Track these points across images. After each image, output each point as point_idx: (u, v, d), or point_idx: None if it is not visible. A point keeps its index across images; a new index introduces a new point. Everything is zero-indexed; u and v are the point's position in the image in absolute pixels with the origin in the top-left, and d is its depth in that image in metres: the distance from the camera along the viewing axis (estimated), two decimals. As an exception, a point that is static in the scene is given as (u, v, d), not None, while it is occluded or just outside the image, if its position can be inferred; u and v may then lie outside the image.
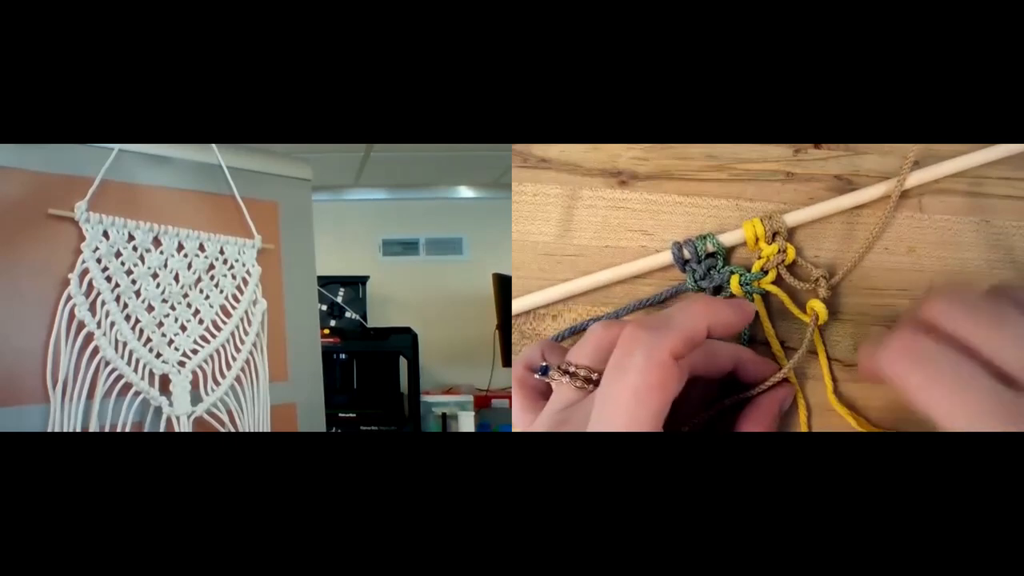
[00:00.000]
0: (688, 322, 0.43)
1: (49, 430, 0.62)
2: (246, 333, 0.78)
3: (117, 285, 0.67)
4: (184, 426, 0.70)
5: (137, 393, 0.67)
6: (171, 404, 0.70)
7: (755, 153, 0.55)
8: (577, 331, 0.54)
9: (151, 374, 0.69)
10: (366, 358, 2.52)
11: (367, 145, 2.18)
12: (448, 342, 2.77)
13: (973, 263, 0.52)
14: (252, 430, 0.77)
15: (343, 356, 2.47)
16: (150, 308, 0.70)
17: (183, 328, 0.73)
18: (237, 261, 0.79)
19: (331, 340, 2.34)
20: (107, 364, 0.65)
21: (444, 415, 2.52)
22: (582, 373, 0.45)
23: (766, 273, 0.52)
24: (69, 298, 0.64)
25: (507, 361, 2.47)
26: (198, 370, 0.73)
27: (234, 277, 0.78)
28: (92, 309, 0.65)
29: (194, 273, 0.74)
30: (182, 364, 0.72)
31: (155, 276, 0.70)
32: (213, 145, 0.78)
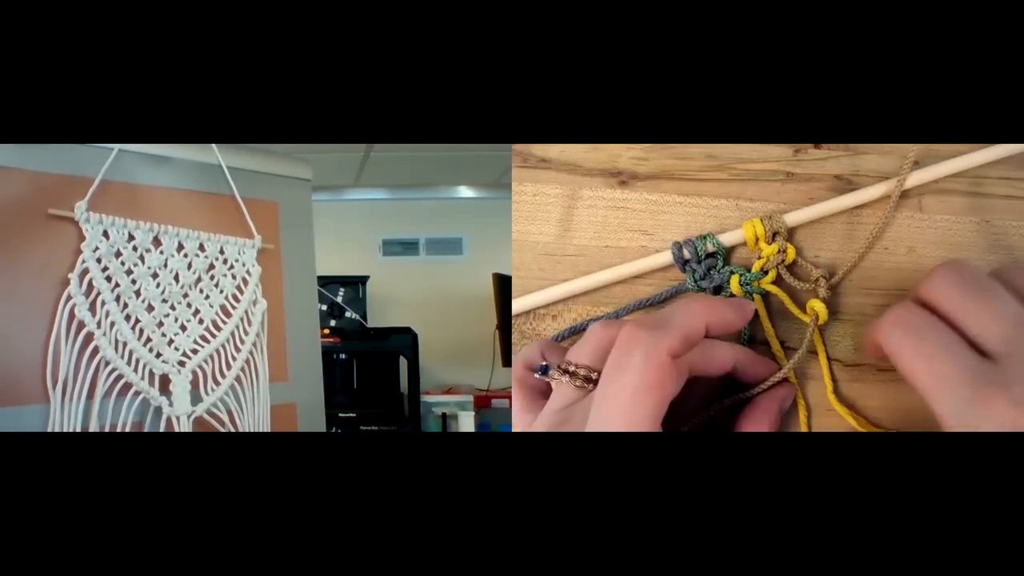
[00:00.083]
0: (686, 321, 0.43)
1: (49, 430, 0.62)
2: (246, 333, 0.78)
3: (117, 285, 0.67)
4: (184, 426, 0.70)
5: (137, 393, 0.67)
6: (171, 404, 0.70)
7: (755, 153, 0.55)
8: (577, 331, 0.54)
9: (151, 374, 0.69)
10: (366, 358, 2.52)
11: (367, 145, 2.18)
12: (448, 342, 2.77)
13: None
14: (252, 430, 0.77)
15: (343, 356, 2.47)
16: (150, 308, 0.70)
17: (183, 328, 0.73)
18: (237, 261, 0.79)
19: (331, 340, 2.34)
20: (107, 364, 0.65)
21: (444, 415, 2.52)
22: (582, 372, 0.45)
23: (766, 273, 0.52)
24: (69, 298, 0.64)
25: (507, 361, 2.47)
26: (198, 370, 0.73)
27: (234, 277, 0.78)
28: (92, 309, 0.65)
29: (194, 273, 0.74)
30: (182, 364, 0.72)
31: (155, 276, 0.70)
32: (213, 145, 0.78)
